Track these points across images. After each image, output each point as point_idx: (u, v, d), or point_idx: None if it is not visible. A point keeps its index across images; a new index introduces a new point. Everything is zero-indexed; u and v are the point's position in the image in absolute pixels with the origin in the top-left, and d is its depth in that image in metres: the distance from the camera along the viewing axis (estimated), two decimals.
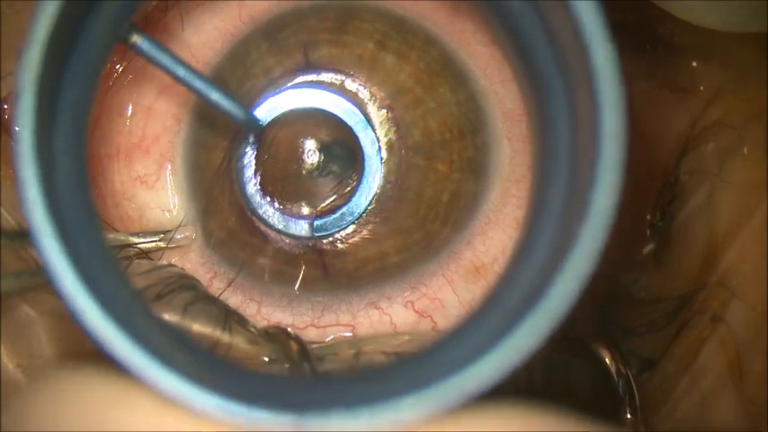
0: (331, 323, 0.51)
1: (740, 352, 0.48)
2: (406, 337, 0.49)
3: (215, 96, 0.43)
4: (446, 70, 0.51)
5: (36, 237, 0.29)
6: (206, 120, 0.51)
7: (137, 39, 0.38)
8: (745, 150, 0.50)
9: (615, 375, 0.50)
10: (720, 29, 0.46)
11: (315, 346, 0.49)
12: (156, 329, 0.31)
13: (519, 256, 0.33)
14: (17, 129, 0.29)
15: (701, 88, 0.51)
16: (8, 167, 0.47)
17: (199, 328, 0.45)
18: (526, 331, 0.29)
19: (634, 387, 0.50)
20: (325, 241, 0.51)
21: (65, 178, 0.31)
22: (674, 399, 0.50)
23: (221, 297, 0.50)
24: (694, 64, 0.51)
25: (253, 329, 0.47)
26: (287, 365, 0.45)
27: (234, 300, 0.50)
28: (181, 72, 0.41)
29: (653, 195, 0.52)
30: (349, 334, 0.51)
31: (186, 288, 0.47)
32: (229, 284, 0.51)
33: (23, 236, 0.43)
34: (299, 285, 0.51)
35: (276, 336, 0.47)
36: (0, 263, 0.42)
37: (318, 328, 0.50)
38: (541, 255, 0.32)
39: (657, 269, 0.52)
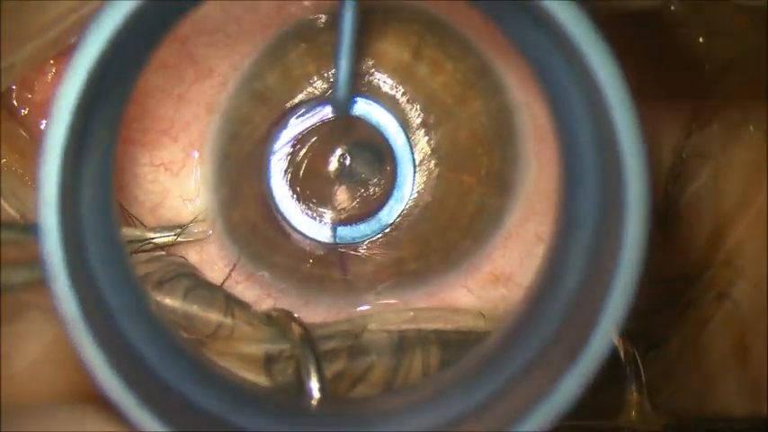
0: None
1: (745, 331, 0.49)
2: (411, 314, 0.49)
3: (342, 63, 0.43)
4: (482, 81, 0.50)
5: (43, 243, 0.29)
6: (242, 112, 0.50)
7: None
8: (752, 129, 0.50)
9: (622, 355, 0.50)
10: None
11: (317, 328, 0.48)
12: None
13: (552, 269, 0.34)
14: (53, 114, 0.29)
15: (707, 66, 0.51)
16: (13, 154, 0.46)
17: (200, 312, 0.45)
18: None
19: (640, 367, 0.50)
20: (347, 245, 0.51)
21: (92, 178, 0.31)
22: (679, 378, 0.51)
23: (238, 290, 0.50)
24: (700, 40, 0.51)
25: (254, 313, 0.47)
26: (288, 346, 0.45)
27: (251, 294, 0.50)
28: (347, 24, 0.42)
29: (660, 176, 0.52)
30: None
31: (186, 275, 0.47)
32: (248, 278, 0.51)
33: (26, 228, 0.42)
34: (317, 286, 0.51)
35: (278, 319, 0.47)
36: (0, 255, 0.41)
37: None
38: (578, 266, 0.33)
39: (663, 249, 0.52)
